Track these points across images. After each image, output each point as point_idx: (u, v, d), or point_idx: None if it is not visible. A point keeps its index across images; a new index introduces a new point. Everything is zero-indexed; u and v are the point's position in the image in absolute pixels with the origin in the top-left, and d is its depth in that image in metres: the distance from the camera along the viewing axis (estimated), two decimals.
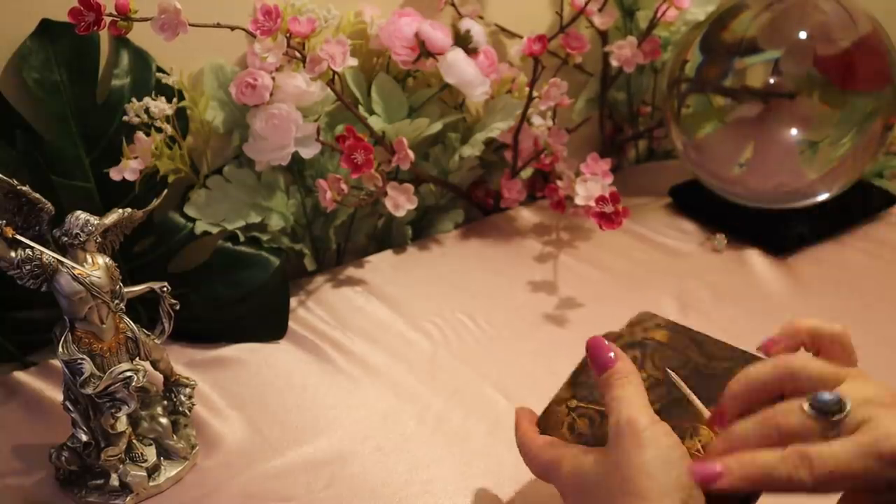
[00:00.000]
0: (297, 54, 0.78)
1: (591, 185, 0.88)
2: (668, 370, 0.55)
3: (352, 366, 0.78)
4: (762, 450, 0.46)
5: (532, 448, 0.56)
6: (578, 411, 0.57)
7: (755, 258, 0.93)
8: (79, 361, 0.60)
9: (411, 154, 0.86)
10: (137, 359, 0.64)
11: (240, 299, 0.81)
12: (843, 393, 0.46)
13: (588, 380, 0.58)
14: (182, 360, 0.77)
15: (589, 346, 0.54)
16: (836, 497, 0.48)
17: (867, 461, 0.44)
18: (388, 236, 0.99)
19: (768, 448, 0.46)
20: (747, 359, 0.55)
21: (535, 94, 0.93)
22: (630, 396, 0.50)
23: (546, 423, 0.59)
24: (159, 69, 0.80)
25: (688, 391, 0.54)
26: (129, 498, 0.64)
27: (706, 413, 0.52)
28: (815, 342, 0.52)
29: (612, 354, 0.53)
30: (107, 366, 0.62)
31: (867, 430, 0.45)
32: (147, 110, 0.76)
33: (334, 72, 0.79)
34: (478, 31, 0.93)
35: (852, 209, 0.99)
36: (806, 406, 0.46)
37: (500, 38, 1.03)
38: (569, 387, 0.60)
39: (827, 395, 0.45)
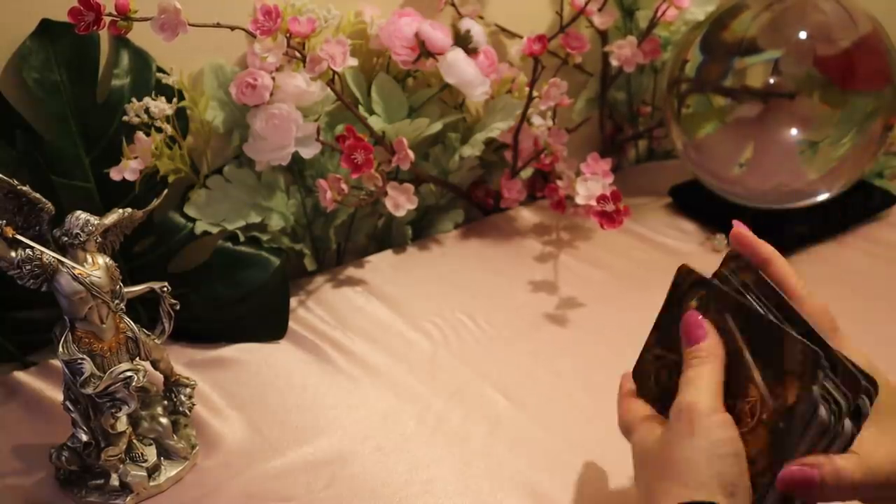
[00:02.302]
0: (297, 54, 0.78)
1: (591, 184, 0.88)
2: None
3: (352, 366, 0.78)
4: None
5: (620, 408, 0.58)
6: (661, 361, 0.57)
7: None
8: (79, 361, 0.60)
9: (411, 154, 0.86)
10: (137, 359, 0.64)
11: (240, 299, 0.81)
12: None
13: (668, 323, 0.57)
14: (182, 360, 0.77)
15: (683, 320, 0.54)
16: None
17: None
18: (388, 236, 0.99)
19: None
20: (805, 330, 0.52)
21: (535, 94, 0.93)
22: (701, 378, 0.51)
23: (638, 372, 0.59)
24: (159, 69, 0.80)
25: (742, 344, 0.52)
26: (129, 498, 0.64)
27: (755, 370, 0.51)
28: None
29: (702, 331, 0.53)
30: (107, 366, 0.62)
31: None
32: (147, 110, 0.76)
33: (334, 72, 0.79)
34: (478, 31, 0.93)
35: (852, 209, 0.99)
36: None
37: (500, 38, 1.03)
38: (654, 330, 0.59)
39: None
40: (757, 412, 0.49)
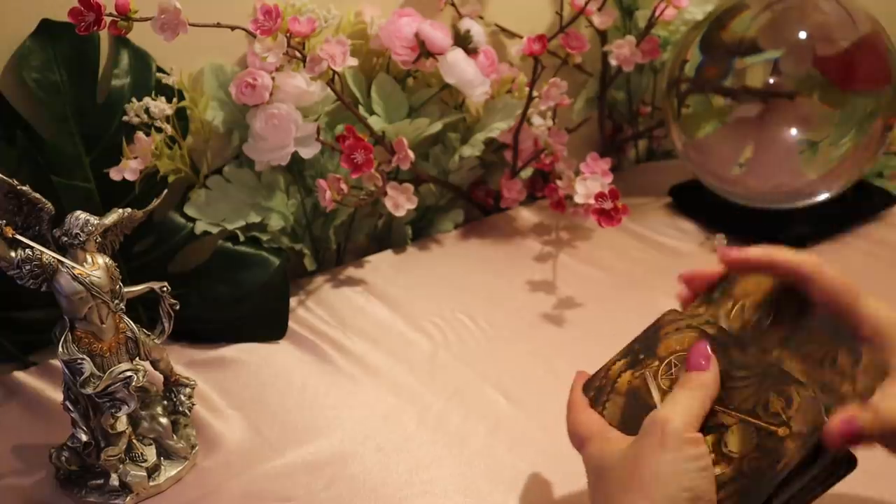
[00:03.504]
0: (297, 54, 0.78)
1: (590, 183, 0.88)
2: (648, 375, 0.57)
3: (352, 366, 0.78)
4: None
5: (572, 418, 0.57)
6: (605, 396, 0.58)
7: None
8: (79, 361, 0.60)
9: (411, 154, 0.86)
10: (137, 359, 0.64)
11: (240, 299, 0.81)
12: None
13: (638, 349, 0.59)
14: (182, 360, 0.77)
15: (693, 348, 0.54)
16: None
17: None
18: (388, 236, 0.99)
19: None
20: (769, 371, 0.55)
21: (535, 94, 0.93)
22: (686, 401, 0.51)
23: (593, 388, 0.60)
24: (159, 69, 0.80)
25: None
26: (129, 498, 0.64)
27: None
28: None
29: (704, 362, 0.53)
30: (107, 366, 0.62)
31: None
32: (147, 110, 0.77)
33: (334, 72, 0.79)
34: (478, 31, 0.93)
35: (852, 209, 0.99)
36: None
37: (500, 38, 1.03)
38: (624, 356, 0.60)
39: None
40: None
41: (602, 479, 0.51)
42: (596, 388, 0.59)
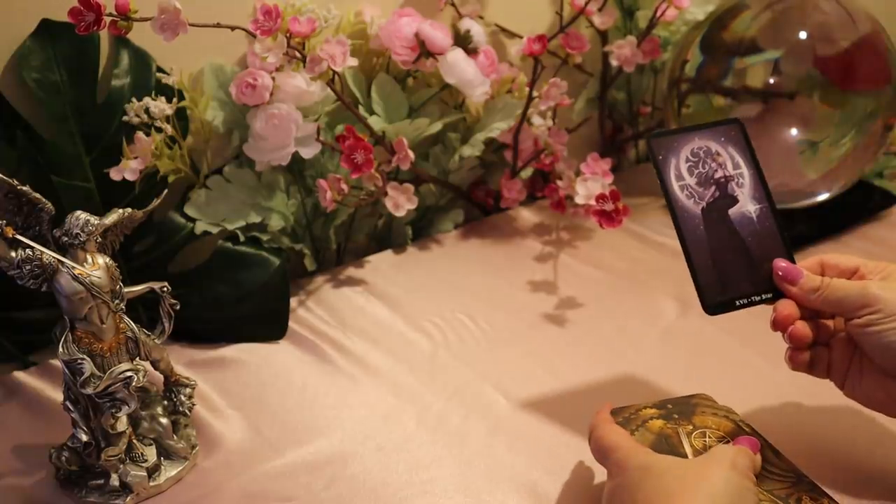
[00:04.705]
0: (297, 54, 0.78)
1: (591, 184, 0.88)
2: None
3: (352, 366, 0.78)
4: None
5: (601, 428, 0.59)
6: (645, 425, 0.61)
7: None
8: (79, 361, 0.60)
9: (411, 154, 0.86)
10: (137, 359, 0.64)
11: (240, 299, 0.81)
12: None
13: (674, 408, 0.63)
14: (182, 360, 0.77)
15: (742, 437, 0.59)
16: None
17: None
18: (388, 236, 0.99)
19: None
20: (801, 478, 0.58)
21: (535, 94, 0.93)
22: (746, 460, 0.54)
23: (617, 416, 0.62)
24: (159, 69, 0.80)
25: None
26: (129, 498, 0.64)
27: None
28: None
29: (756, 447, 0.57)
30: (107, 366, 0.62)
31: None
32: (147, 110, 0.77)
33: (334, 72, 0.79)
34: (478, 31, 0.93)
35: (852, 209, 0.99)
36: None
37: (500, 38, 1.03)
38: (657, 407, 0.63)
39: None
40: None
41: (651, 477, 0.53)
42: (624, 417, 0.61)
